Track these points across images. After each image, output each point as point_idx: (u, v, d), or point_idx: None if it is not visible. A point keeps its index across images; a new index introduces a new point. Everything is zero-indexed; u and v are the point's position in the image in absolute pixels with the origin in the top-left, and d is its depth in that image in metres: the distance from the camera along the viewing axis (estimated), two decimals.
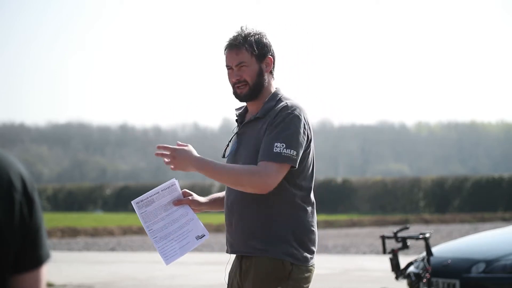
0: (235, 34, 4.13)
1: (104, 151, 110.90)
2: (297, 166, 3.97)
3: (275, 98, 4.11)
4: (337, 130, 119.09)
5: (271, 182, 3.91)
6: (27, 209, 2.09)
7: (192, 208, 4.16)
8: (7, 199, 2.06)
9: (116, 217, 37.48)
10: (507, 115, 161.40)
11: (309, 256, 4.04)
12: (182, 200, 4.15)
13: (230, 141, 4.27)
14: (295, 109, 4.01)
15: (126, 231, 28.19)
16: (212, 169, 3.96)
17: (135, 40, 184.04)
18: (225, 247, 4.23)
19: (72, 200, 49.13)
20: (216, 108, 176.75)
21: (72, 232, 26.97)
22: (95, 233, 27.37)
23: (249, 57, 4.09)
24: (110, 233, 27.68)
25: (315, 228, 4.11)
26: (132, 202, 4.08)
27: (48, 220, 32.16)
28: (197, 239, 4.08)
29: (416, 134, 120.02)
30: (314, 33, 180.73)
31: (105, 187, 49.62)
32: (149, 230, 4.03)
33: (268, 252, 3.99)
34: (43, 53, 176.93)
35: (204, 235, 4.10)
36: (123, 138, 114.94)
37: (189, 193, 4.21)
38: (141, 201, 4.05)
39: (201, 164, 3.98)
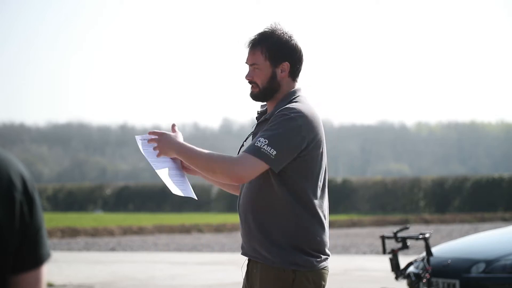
0: (259, 32, 4.06)
1: (104, 151, 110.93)
2: (277, 170, 3.89)
3: (288, 99, 4.03)
4: (337, 130, 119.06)
5: (243, 174, 3.85)
6: (28, 208, 2.10)
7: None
8: (8, 198, 2.06)
9: (116, 217, 37.48)
10: (507, 115, 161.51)
11: (314, 260, 3.97)
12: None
13: (245, 141, 4.22)
14: (295, 112, 3.92)
15: (126, 231, 28.18)
16: (190, 153, 3.96)
17: (135, 40, 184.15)
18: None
19: (72, 200, 49.12)
20: (216, 108, 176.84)
21: (72, 232, 26.96)
22: (95, 233, 27.37)
23: (262, 61, 4.02)
24: (110, 233, 27.67)
25: (319, 232, 4.00)
26: (136, 136, 4.17)
27: (48, 220, 32.15)
28: (191, 193, 4.14)
29: (416, 134, 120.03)
30: (313, 33, 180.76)
31: (105, 187, 49.61)
32: (152, 163, 4.11)
33: (270, 260, 3.97)
34: (43, 53, 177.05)
35: (194, 196, 4.19)
36: (123, 138, 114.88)
37: None
38: (144, 139, 4.13)
39: (181, 148, 4.00)
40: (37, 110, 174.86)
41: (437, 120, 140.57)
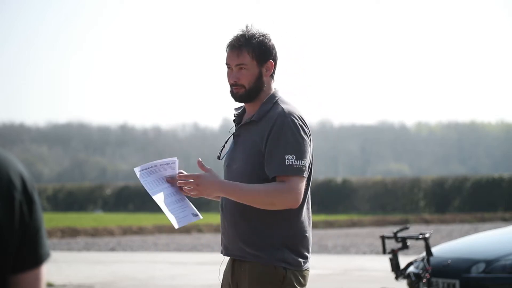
0: (239, 33, 4.08)
1: (104, 151, 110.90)
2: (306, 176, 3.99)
3: (272, 101, 4.08)
4: (337, 130, 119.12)
5: (299, 197, 3.93)
6: (27, 208, 2.10)
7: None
8: (7, 198, 2.06)
9: (116, 217, 37.48)
10: (507, 115, 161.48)
11: (302, 260, 4.04)
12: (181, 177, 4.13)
13: (226, 142, 4.25)
14: (293, 116, 3.99)
15: (126, 231, 28.18)
16: (240, 192, 3.91)
17: (135, 40, 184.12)
18: None
19: (72, 200, 49.11)
20: (216, 108, 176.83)
21: (72, 232, 26.96)
22: (95, 233, 27.37)
23: (249, 60, 4.04)
24: (110, 233, 27.67)
25: (308, 233, 4.10)
26: (134, 169, 4.13)
27: (48, 220, 32.16)
28: (193, 216, 4.11)
29: (416, 134, 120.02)
30: (314, 33, 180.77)
31: (105, 187, 49.60)
32: (154, 196, 4.09)
33: (260, 258, 4.00)
34: (43, 53, 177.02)
35: (198, 215, 4.13)
36: (123, 138, 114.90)
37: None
38: (142, 170, 4.10)
39: (229, 189, 3.92)
40: (37, 110, 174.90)
41: (437, 120, 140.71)
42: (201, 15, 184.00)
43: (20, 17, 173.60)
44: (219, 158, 4.22)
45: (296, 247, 4.02)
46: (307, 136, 4.01)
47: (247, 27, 4.09)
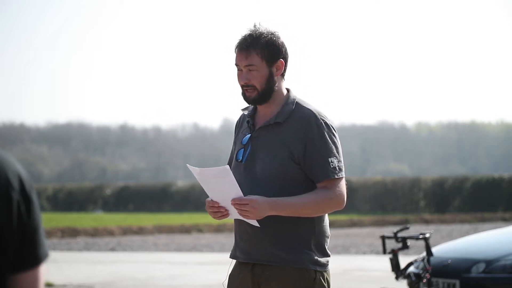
0: (247, 34, 3.98)
1: (104, 151, 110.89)
2: None
3: (292, 101, 4.02)
4: (337, 130, 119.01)
5: (345, 198, 4.01)
6: (25, 208, 2.09)
7: None
8: (5, 198, 2.06)
9: (116, 217, 37.48)
10: (507, 115, 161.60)
11: (327, 260, 4.04)
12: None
13: (245, 145, 4.05)
14: (323, 117, 4.00)
15: (126, 231, 28.18)
16: (292, 208, 3.87)
17: (135, 40, 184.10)
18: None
19: (72, 200, 49.10)
20: (216, 108, 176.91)
21: (72, 232, 26.96)
22: (95, 233, 27.36)
23: (259, 61, 3.95)
24: (110, 233, 27.67)
25: (328, 231, 4.10)
26: (190, 167, 4.02)
27: (48, 220, 32.15)
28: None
29: (416, 134, 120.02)
30: (314, 33, 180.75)
31: (105, 187, 49.60)
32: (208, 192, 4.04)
33: (292, 261, 3.94)
34: (43, 53, 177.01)
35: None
36: (123, 138, 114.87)
37: None
38: (203, 174, 4.00)
39: (280, 207, 3.86)
40: (37, 110, 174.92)
41: (437, 120, 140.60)
42: (201, 15, 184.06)
43: (20, 17, 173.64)
44: (240, 160, 4.04)
45: (322, 245, 4.01)
46: (337, 135, 4.05)
47: (255, 26, 4.00)
